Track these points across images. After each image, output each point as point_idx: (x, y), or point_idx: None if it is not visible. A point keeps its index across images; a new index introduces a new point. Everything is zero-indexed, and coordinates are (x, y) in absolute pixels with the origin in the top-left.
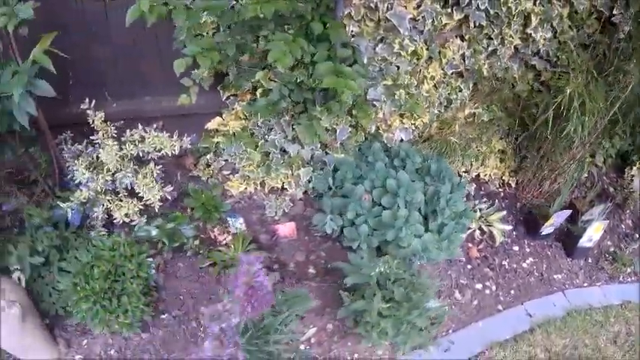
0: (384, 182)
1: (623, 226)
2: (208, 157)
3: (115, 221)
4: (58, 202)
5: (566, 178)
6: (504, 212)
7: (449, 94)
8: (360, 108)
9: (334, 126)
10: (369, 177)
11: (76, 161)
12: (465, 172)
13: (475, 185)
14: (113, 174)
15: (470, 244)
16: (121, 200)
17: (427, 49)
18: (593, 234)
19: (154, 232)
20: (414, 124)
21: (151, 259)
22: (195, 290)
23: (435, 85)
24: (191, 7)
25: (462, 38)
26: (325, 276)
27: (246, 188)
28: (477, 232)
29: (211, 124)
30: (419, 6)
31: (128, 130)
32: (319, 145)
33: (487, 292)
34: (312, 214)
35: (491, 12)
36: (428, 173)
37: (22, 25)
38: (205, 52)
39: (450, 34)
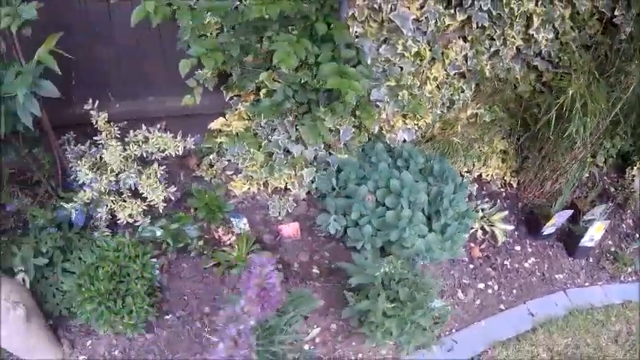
0: (388, 183)
1: (623, 226)
2: (211, 157)
3: (118, 222)
4: (61, 203)
5: (568, 178)
6: (506, 212)
7: (451, 94)
8: (364, 109)
9: (338, 126)
10: (372, 177)
11: (79, 162)
12: (466, 172)
13: (477, 185)
14: (117, 174)
15: (472, 244)
16: (125, 201)
17: (430, 50)
18: (594, 234)
19: (159, 233)
20: (417, 124)
21: (155, 260)
22: (199, 291)
23: (437, 86)
24: (195, 8)
25: (465, 39)
26: (329, 276)
27: (249, 188)
28: (479, 232)
29: (214, 125)
30: (422, 7)
31: (132, 131)
32: (322, 146)
33: (489, 291)
34: (316, 215)
35: (494, 13)
36: (431, 174)
37: (25, 25)
38: (210, 53)
39: (452, 35)
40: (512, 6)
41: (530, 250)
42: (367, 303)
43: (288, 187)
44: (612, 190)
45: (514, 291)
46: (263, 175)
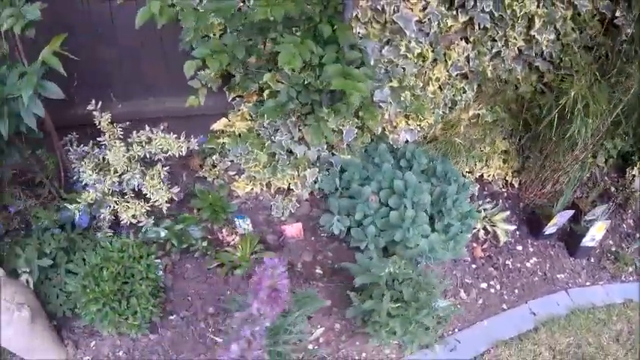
0: (391, 183)
1: (624, 226)
2: (214, 157)
3: (122, 222)
4: (65, 204)
5: (569, 178)
6: (508, 212)
7: (453, 95)
8: (367, 110)
9: (341, 127)
10: (375, 178)
11: (82, 163)
12: (468, 172)
13: (478, 186)
14: (120, 175)
15: (474, 244)
16: (128, 202)
17: (433, 51)
18: (595, 233)
19: (163, 234)
20: (420, 125)
21: (158, 261)
22: (203, 291)
23: (440, 87)
24: (197, 9)
25: (467, 40)
26: (332, 276)
27: (252, 189)
28: (482, 232)
29: (217, 125)
30: (425, 8)
31: (135, 132)
32: (325, 146)
33: (492, 291)
34: (319, 215)
35: (496, 14)
36: (434, 174)
37: (29, 26)
38: (215, 55)
39: (454, 37)
40: (514, 7)
41: (531, 249)
42: (372, 303)
43: (291, 187)
44: (613, 190)
45: (516, 291)
46: (266, 175)
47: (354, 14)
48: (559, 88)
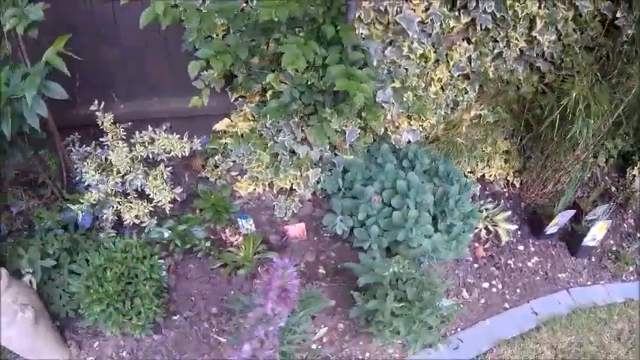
0: (394, 183)
1: (625, 226)
2: (216, 158)
3: (124, 223)
4: (68, 205)
5: (570, 178)
6: (509, 212)
7: (455, 95)
8: (370, 110)
9: (344, 128)
10: (378, 178)
11: (84, 163)
12: (470, 172)
13: (480, 186)
14: (123, 176)
15: (476, 244)
16: (131, 202)
17: (435, 51)
18: (596, 233)
19: (167, 234)
20: (422, 125)
21: (162, 261)
22: (206, 291)
23: (442, 87)
24: (200, 9)
25: (469, 41)
26: (335, 276)
27: (254, 189)
28: (483, 232)
29: (219, 126)
30: (427, 9)
31: (137, 132)
32: (328, 147)
33: (494, 290)
34: (321, 215)
35: (498, 15)
36: (436, 174)
37: (32, 27)
38: (219, 55)
39: (456, 37)
40: (515, 8)
41: (533, 249)
42: (375, 302)
43: (294, 187)
44: (613, 189)
45: (518, 290)
46: (268, 175)
47: (356, 15)
48: (560, 88)
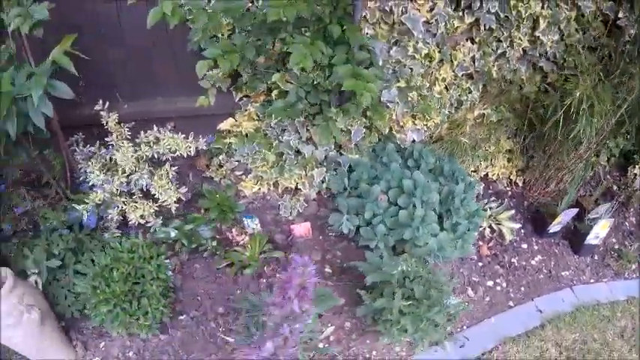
0: (400, 183)
1: (627, 224)
2: (220, 157)
3: (130, 223)
4: (73, 205)
5: (573, 177)
6: (513, 211)
7: (459, 95)
8: (376, 110)
9: (349, 127)
10: (384, 177)
11: (89, 163)
12: (473, 171)
13: (483, 184)
14: (128, 175)
15: (480, 243)
16: (136, 202)
17: (439, 51)
18: (599, 231)
19: (173, 234)
20: (426, 125)
21: (168, 261)
22: (212, 291)
23: (446, 87)
24: (205, 9)
25: (472, 41)
26: (341, 275)
27: (259, 189)
28: (487, 231)
29: (224, 125)
30: (432, 9)
31: (142, 132)
32: (333, 146)
33: (498, 288)
34: (326, 214)
35: (502, 15)
36: (441, 173)
37: (37, 26)
38: (226, 55)
39: (460, 37)
40: (519, 9)
41: (536, 247)
42: (383, 301)
43: (299, 187)
44: (615, 188)
45: (522, 288)
46: (273, 175)
47: (362, 15)
48: (563, 88)
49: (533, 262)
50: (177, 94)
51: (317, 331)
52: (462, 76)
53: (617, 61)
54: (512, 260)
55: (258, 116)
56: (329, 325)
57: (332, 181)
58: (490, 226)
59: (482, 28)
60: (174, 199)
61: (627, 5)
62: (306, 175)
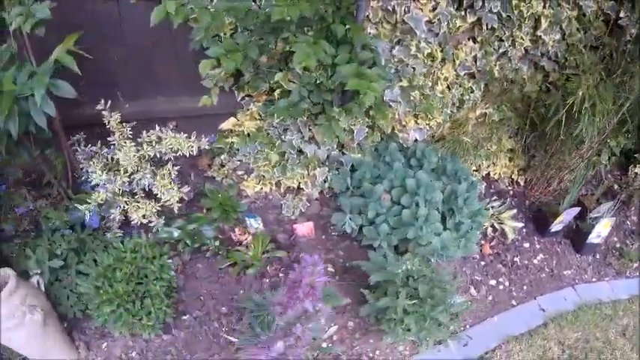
0: (403, 182)
1: (628, 223)
2: (222, 157)
3: (132, 223)
4: (75, 205)
5: (575, 176)
6: (515, 210)
7: (461, 94)
8: (379, 109)
9: (352, 126)
10: (387, 177)
11: (90, 162)
12: (475, 170)
13: (485, 184)
14: (130, 175)
15: (482, 242)
16: (138, 202)
17: (441, 50)
18: (601, 230)
19: (176, 234)
20: (429, 124)
21: (170, 261)
22: (215, 291)
23: (448, 86)
24: (208, 8)
25: (474, 40)
26: (344, 274)
27: (261, 188)
28: (490, 230)
29: (226, 125)
30: (434, 9)
31: (144, 131)
32: (335, 146)
33: (501, 287)
34: (329, 214)
35: (504, 15)
36: (444, 173)
37: (39, 25)
38: (229, 54)
39: (462, 36)
40: (521, 8)
41: (538, 246)
42: (387, 300)
43: (301, 186)
44: (616, 187)
45: (524, 287)
46: (275, 174)
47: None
48: (564, 87)
49: (535, 261)
50: (179, 94)
51: (320, 330)
52: (464, 75)
53: (619, 60)
54: (515, 259)
55: (260, 116)
56: (332, 324)
57: (334, 181)
58: (492, 226)
59: (484, 27)
60: (177, 199)
61: (628, 5)
62: (309, 174)
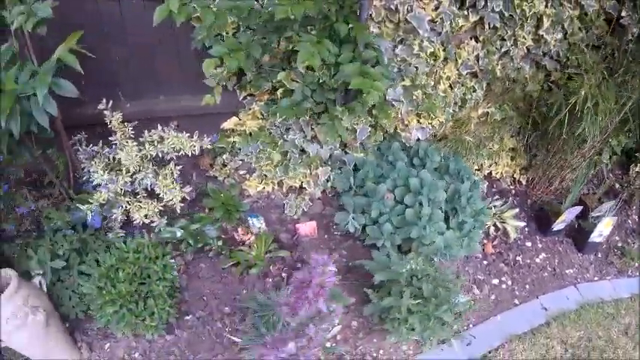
0: (406, 181)
1: (629, 222)
2: (224, 157)
3: (134, 223)
4: (77, 205)
5: (577, 175)
6: (517, 209)
7: (464, 94)
8: (381, 109)
9: (354, 126)
10: (390, 176)
11: (92, 162)
12: (477, 169)
13: (487, 183)
14: (132, 175)
15: (485, 241)
16: (140, 201)
17: (444, 50)
18: (603, 229)
19: (179, 234)
20: (431, 123)
21: (173, 261)
22: (218, 291)
23: (450, 86)
24: (210, 7)
25: (477, 39)
26: (347, 274)
27: (263, 188)
28: (492, 229)
29: (227, 124)
30: (437, 8)
31: (146, 131)
32: (338, 145)
33: (503, 286)
34: (332, 213)
35: (506, 14)
36: (446, 172)
37: (40, 24)
38: (232, 53)
39: (464, 36)
40: (523, 7)
41: (540, 245)
42: (391, 300)
43: (304, 186)
44: (617, 186)
45: (527, 286)
46: (278, 174)
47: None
48: (566, 86)
49: (537, 260)
50: (181, 93)
51: (324, 330)
52: (467, 74)
53: (621, 59)
54: (517, 258)
55: (263, 115)
56: (336, 323)
57: (337, 180)
58: (495, 225)
59: (486, 26)
60: (179, 199)
61: (630, 4)
62: (311, 173)
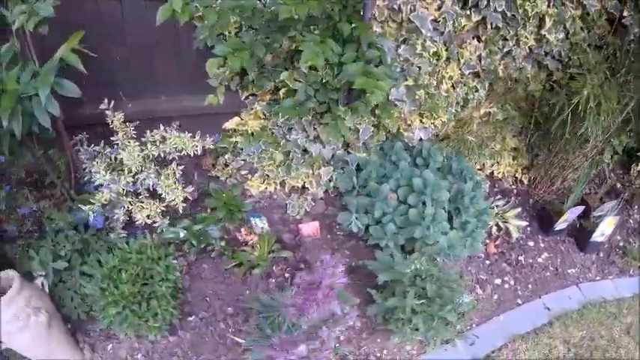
0: (410, 181)
1: (631, 222)
2: (226, 157)
3: (136, 223)
4: (78, 205)
5: (579, 174)
6: (519, 209)
7: (466, 93)
8: (384, 109)
9: (357, 125)
10: (393, 176)
11: (93, 162)
12: (479, 169)
13: (489, 182)
14: (134, 175)
15: (487, 240)
16: (142, 202)
17: (446, 49)
18: (605, 229)
19: (182, 234)
20: (433, 123)
21: (175, 262)
22: (221, 291)
23: (452, 85)
24: (213, 6)
25: (479, 39)
26: (350, 274)
27: (266, 188)
28: (494, 229)
29: (229, 124)
30: (440, 8)
31: (148, 131)
32: (341, 145)
33: (506, 286)
34: (334, 213)
35: (508, 14)
36: (449, 172)
37: (42, 24)
38: (236, 53)
39: (467, 35)
40: (525, 7)
41: (542, 245)
42: (395, 300)
43: (306, 185)
44: (619, 186)
45: (529, 286)
46: (280, 174)
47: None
48: (568, 86)
49: (539, 260)
50: (182, 93)
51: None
52: (469, 74)
53: (623, 59)
54: (519, 258)
55: (265, 115)
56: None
57: (340, 180)
58: (497, 224)
59: (488, 26)
60: (181, 199)
61: (632, 4)
62: (314, 173)
